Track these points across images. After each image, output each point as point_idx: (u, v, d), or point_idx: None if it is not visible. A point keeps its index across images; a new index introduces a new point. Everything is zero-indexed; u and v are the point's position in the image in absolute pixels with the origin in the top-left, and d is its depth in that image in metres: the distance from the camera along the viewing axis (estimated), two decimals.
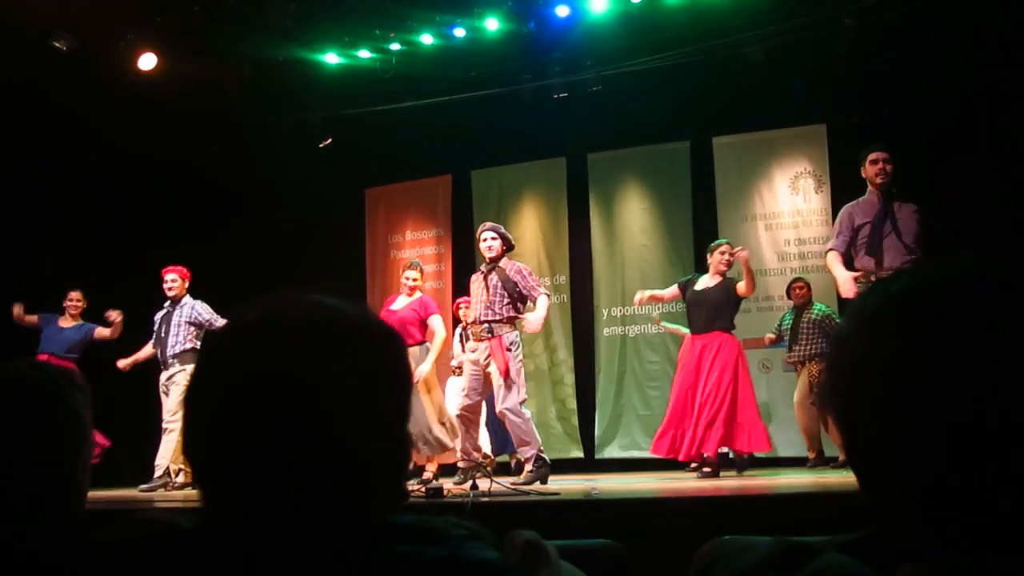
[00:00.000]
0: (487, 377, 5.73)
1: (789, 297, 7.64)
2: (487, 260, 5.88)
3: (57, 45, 7.29)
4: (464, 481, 5.47)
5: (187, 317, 6.87)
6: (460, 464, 5.80)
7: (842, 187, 8.22)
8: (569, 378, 8.89)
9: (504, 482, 5.08)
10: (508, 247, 5.93)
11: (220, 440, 0.84)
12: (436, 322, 6.31)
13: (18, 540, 0.98)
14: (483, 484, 4.78)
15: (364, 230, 10.01)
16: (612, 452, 8.61)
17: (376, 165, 9.40)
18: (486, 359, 5.69)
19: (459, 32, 8.23)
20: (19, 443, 1.21)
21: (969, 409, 0.62)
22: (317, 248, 9.35)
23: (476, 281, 5.93)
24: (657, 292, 6.94)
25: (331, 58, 8.51)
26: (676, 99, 8.21)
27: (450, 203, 9.65)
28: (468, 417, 5.78)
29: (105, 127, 8.02)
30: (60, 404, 1.26)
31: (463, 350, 6.93)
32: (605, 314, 8.99)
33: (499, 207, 9.41)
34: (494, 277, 5.78)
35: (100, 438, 7.13)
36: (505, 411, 5.57)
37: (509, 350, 5.62)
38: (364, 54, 8.47)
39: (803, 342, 7.26)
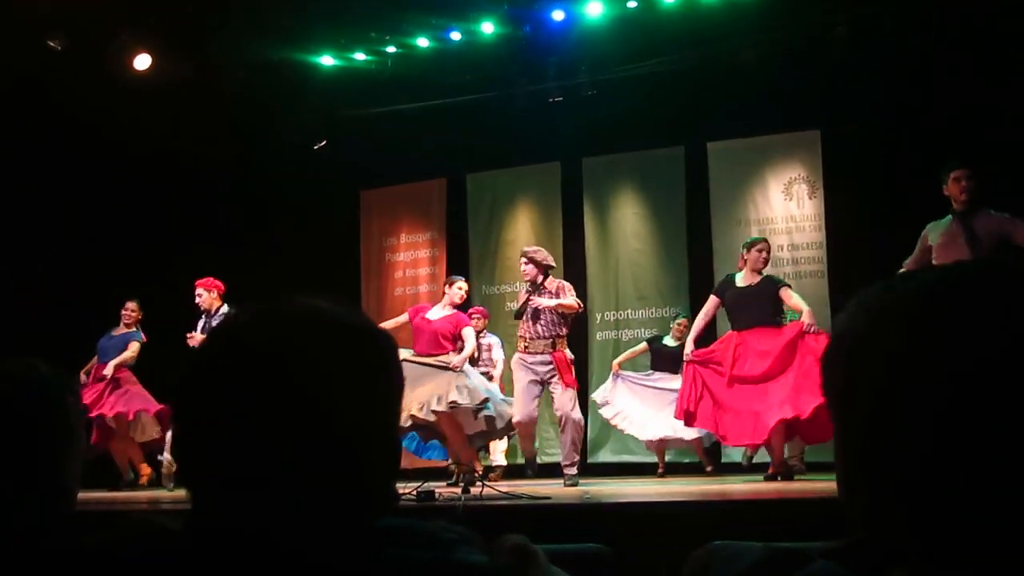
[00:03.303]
0: (541, 387, 6.19)
1: None
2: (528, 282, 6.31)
3: (52, 45, 7.28)
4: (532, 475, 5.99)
5: None
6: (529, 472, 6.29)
7: (835, 193, 8.27)
8: None
9: (499, 486, 5.08)
10: (543, 268, 6.26)
11: (209, 441, 0.84)
12: (468, 333, 6.60)
13: (5, 540, 0.98)
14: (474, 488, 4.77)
15: (359, 233, 10.00)
16: (604, 457, 8.61)
17: (371, 168, 9.39)
18: (548, 373, 6.13)
19: (455, 36, 8.24)
20: (9, 442, 1.21)
21: (964, 411, 0.62)
22: (312, 250, 9.34)
23: (523, 297, 6.36)
24: (698, 323, 6.44)
25: (327, 60, 8.51)
26: (671, 104, 8.22)
27: (445, 207, 9.65)
28: (527, 426, 6.23)
29: (97, 128, 7.99)
30: (51, 404, 1.26)
31: (477, 362, 7.40)
32: (598, 318, 8.99)
33: (493, 211, 9.42)
34: (540, 299, 6.17)
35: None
36: (570, 416, 6.15)
37: (572, 362, 6.28)
38: (360, 56, 8.48)
39: None
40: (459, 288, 6.69)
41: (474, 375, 6.48)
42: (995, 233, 5.01)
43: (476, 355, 7.47)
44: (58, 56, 7.34)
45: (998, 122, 6.87)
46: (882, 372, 0.66)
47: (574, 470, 6.19)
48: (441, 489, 5.16)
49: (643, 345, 8.08)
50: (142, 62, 7.73)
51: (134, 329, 7.48)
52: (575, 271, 9.11)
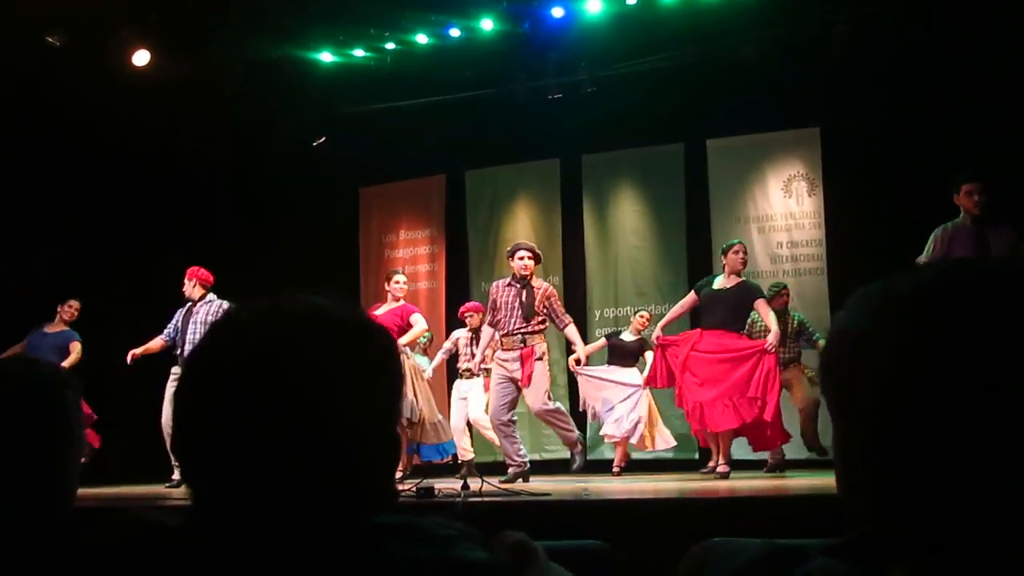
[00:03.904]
0: (515, 385, 6.03)
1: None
2: (518, 276, 6.11)
3: (51, 41, 7.27)
4: (511, 480, 5.78)
5: (213, 316, 6.79)
6: (510, 470, 6.04)
7: (835, 190, 8.27)
8: (562, 379, 8.88)
9: (494, 482, 5.09)
10: (537, 262, 6.25)
11: (209, 440, 0.84)
12: (416, 318, 6.66)
13: (5, 540, 0.98)
14: (473, 484, 4.77)
15: (358, 229, 10.00)
16: (603, 453, 8.61)
17: (370, 164, 9.39)
18: (518, 370, 5.98)
19: (454, 32, 8.24)
20: (9, 442, 1.20)
21: (969, 403, 0.62)
22: (311, 247, 9.34)
23: (504, 293, 6.14)
24: (673, 311, 6.78)
25: (326, 57, 8.50)
26: (670, 101, 8.22)
27: (444, 203, 9.65)
28: (501, 428, 6.06)
29: (97, 125, 7.98)
30: (50, 401, 1.25)
31: (471, 356, 7.39)
32: (598, 315, 8.99)
33: (492, 207, 9.42)
34: (526, 294, 6.06)
35: (91, 437, 7.12)
36: (542, 413, 6.02)
37: (540, 359, 6.02)
38: (359, 53, 8.47)
39: (787, 346, 7.23)
40: (396, 282, 6.81)
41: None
42: (1004, 246, 5.05)
43: (456, 351, 7.61)
44: (57, 52, 7.33)
45: (998, 120, 6.87)
46: (886, 365, 0.66)
47: (578, 448, 6.18)
48: (440, 485, 5.17)
49: (602, 341, 8.16)
50: (141, 59, 7.71)
51: (69, 328, 7.42)
52: (574, 268, 9.12)
